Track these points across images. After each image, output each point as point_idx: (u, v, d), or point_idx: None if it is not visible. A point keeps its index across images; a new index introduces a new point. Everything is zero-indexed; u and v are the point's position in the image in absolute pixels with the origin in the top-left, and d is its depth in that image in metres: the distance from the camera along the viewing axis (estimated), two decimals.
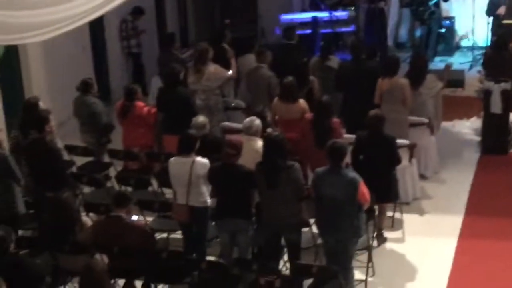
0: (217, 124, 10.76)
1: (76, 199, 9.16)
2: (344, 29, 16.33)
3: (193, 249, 8.59)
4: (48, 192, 8.79)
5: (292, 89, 10.05)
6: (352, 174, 7.78)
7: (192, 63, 11.88)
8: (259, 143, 8.76)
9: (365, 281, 8.58)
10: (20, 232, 9.02)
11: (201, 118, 9.52)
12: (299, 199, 8.04)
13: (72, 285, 8.38)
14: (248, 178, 8.11)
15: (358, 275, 8.45)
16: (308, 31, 15.70)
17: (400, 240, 9.64)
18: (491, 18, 15.42)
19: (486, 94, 11.64)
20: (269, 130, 8.99)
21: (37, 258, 8.14)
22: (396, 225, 9.89)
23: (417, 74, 10.77)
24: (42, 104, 9.74)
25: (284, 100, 10.03)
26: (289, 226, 8.10)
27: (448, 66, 11.86)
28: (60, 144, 9.65)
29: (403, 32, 17.32)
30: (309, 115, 9.80)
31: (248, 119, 9.04)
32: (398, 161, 9.15)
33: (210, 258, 8.63)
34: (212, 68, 10.98)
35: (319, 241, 8.48)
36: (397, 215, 9.97)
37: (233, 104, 11.77)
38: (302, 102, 10.09)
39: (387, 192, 9.06)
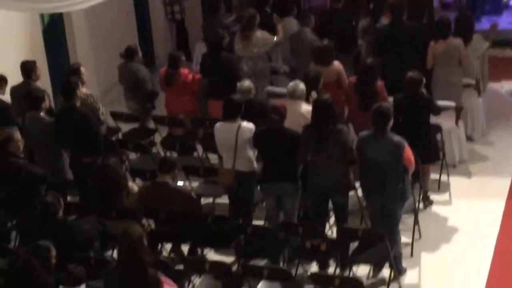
0: (262, 89, 10.73)
1: (122, 165, 9.22)
2: None
3: (239, 213, 8.62)
4: (85, 159, 8.86)
5: (326, 52, 9.93)
6: (397, 137, 7.71)
7: (236, 29, 11.83)
8: (303, 107, 8.72)
9: (411, 244, 8.55)
10: (68, 198, 9.13)
11: (246, 83, 9.50)
12: (347, 163, 8.00)
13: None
14: (294, 141, 8.08)
15: (404, 238, 8.41)
16: None
17: (447, 203, 9.56)
18: None
19: None
20: (313, 93, 8.93)
21: (85, 223, 8.26)
22: (442, 188, 9.80)
23: (463, 34, 10.56)
24: (84, 70, 9.79)
25: (319, 64, 9.94)
26: (336, 189, 8.08)
27: (494, 26, 11.59)
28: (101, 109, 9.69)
29: None
30: (352, 78, 9.72)
31: (292, 83, 8.99)
32: (438, 110, 9.08)
33: (256, 222, 8.66)
34: (259, 34, 10.91)
35: (365, 204, 8.46)
36: (444, 177, 9.88)
37: (281, 70, 11.71)
38: (337, 64, 9.99)
39: (427, 153, 8.97)
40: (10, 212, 8.67)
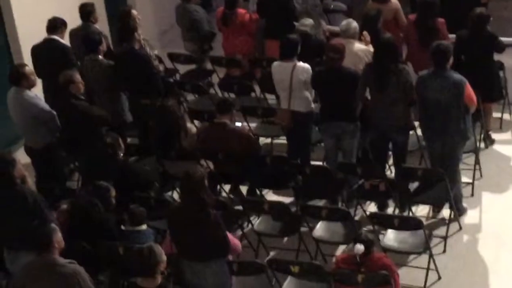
0: (318, 27, 10.57)
1: (180, 106, 9.27)
2: None
3: (297, 154, 8.61)
4: (144, 100, 8.90)
5: None
6: (457, 76, 7.56)
7: None
8: (357, 45, 8.60)
9: (472, 183, 8.45)
10: (128, 140, 9.23)
11: (306, 21, 9.38)
12: (408, 102, 7.88)
13: (179, 191, 8.56)
14: (353, 80, 7.98)
15: (465, 178, 8.31)
16: None
17: (509, 142, 9.39)
18: None
19: None
20: (365, 33, 8.80)
21: (145, 164, 8.35)
22: (504, 126, 9.62)
23: None
24: (135, 13, 9.75)
25: (377, 1, 9.73)
26: (397, 128, 7.98)
27: None
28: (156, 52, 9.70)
29: None
30: (412, 16, 9.52)
31: (345, 22, 8.85)
32: (502, 48, 8.87)
33: (314, 162, 8.64)
34: None
35: (424, 144, 8.36)
36: (506, 116, 9.68)
37: (331, 7, 11.50)
38: (394, 2, 9.78)
39: (489, 91, 8.80)
40: (73, 153, 8.81)
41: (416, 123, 8.31)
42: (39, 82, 8.94)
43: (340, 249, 7.70)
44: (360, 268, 6.29)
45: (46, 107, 8.50)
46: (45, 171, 8.73)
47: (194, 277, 6.26)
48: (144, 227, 6.97)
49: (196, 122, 9.48)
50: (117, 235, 6.97)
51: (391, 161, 8.50)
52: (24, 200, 6.54)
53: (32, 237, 5.67)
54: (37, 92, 8.71)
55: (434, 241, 7.58)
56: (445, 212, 7.96)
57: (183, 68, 10.89)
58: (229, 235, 6.44)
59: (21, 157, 9.16)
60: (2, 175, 6.66)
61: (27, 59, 9.49)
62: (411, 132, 8.33)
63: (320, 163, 8.70)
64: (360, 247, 6.23)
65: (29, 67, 8.69)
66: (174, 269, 6.40)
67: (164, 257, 5.53)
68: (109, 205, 7.03)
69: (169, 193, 8.58)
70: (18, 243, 6.58)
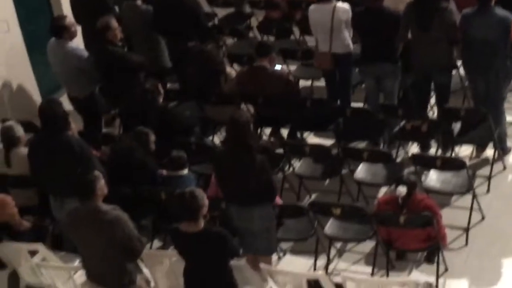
0: None
1: (219, 50, 9.20)
2: None
3: (338, 96, 8.53)
4: (183, 45, 8.84)
5: None
6: (503, 12, 7.36)
7: None
8: None
9: None
10: (167, 85, 9.23)
11: None
12: (451, 42, 7.72)
13: (220, 135, 8.58)
14: (394, 20, 7.83)
15: (509, 117, 8.15)
16: None
17: None
18: None
19: None
20: None
21: (185, 109, 8.35)
22: None
23: None
24: None
25: None
26: (439, 68, 7.82)
27: None
28: None
29: None
30: None
31: None
32: None
33: (355, 104, 8.56)
34: None
35: (467, 84, 8.22)
36: None
37: None
38: None
39: None
40: (112, 100, 8.84)
41: (459, 63, 8.16)
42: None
43: (382, 191, 7.66)
44: (402, 210, 6.26)
45: (87, 56, 8.52)
46: (87, 119, 8.81)
47: (241, 221, 6.27)
48: (185, 172, 7.00)
49: (235, 66, 9.42)
50: (158, 179, 7.02)
51: (433, 102, 8.38)
52: (71, 148, 6.58)
53: (76, 184, 5.71)
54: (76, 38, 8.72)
55: (478, 181, 7.48)
56: (489, 152, 7.84)
57: (221, 12, 10.79)
58: None
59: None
60: (51, 118, 6.63)
61: (67, 9, 9.48)
62: (453, 72, 8.17)
63: (361, 105, 8.62)
64: (402, 189, 6.19)
65: (69, 17, 8.70)
66: (220, 213, 6.45)
67: (206, 201, 5.54)
68: (149, 150, 7.07)
69: (210, 137, 8.58)
70: (64, 190, 6.65)
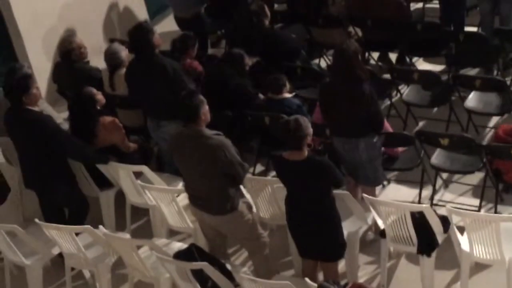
0: None
1: None
2: None
3: (451, 19, 8.18)
4: None
5: None
6: None
7: None
8: None
9: None
10: (275, 7, 9.08)
11: None
12: None
13: (327, 58, 8.41)
14: None
15: None
16: None
17: None
18: None
19: None
20: None
21: (291, 32, 8.19)
22: None
23: None
24: None
25: None
26: None
27: None
28: None
29: None
30: None
31: None
32: None
33: (469, 28, 8.20)
34: None
35: None
36: None
37: None
38: None
39: None
40: (219, 20, 8.79)
41: None
42: None
43: (494, 121, 7.37)
44: None
45: None
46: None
47: (346, 152, 6.17)
48: (287, 95, 6.88)
49: None
50: (257, 102, 6.95)
51: None
52: (163, 70, 6.57)
53: (181, 107, 5.70)
54: None
55: None
56: None
57: None
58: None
59: (169, 27, 9.30)
60: (141, 43, 6.64)
61: None
62: None
63: (475, 29, 8.25)
64: None
65: None
66: (324, 141, 6.35)
67: (311, 130, 5.43)
68: (243, 71, 6.99)
69: (316, 61, 8.43)
70: (160, 112, 6.71)
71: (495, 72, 7.71)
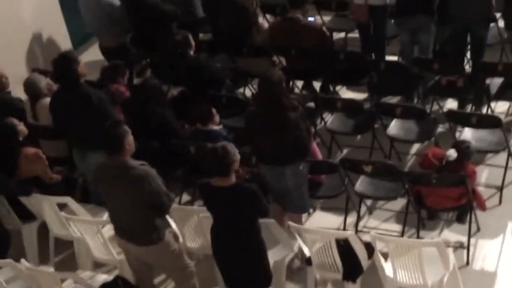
0: None
1: (252, 1, 9.03)
2: None
3: (371, 48, 8.35)
4: None
5: None
6: None
7: None
8: None
9: None
10: (200, 36, 9.11)
11: None
12: None
13: (251, 87, 8.47)
14: None
15: None
16: None
17: None
18: None
19: None
20: None
21: (216, 61, 8.24)
22: None
23: None
24: None
25: None
26: (477, 20, 7.61)
27: None
28: None
29: None
30: None
31: None
32: None
33: (389, 57, 8.38)
34: None
35: (506, 36, 7.99)
36: None
37: None
38: None
39: None
40: (144, 50, 8.77)
41: (498, 15, 7.93)
42: None
43: (415, 148, 7.54)
44: (441, 171, 6.13)
45: (119, 4, 8.44)
46: None
47: (273, 179, 6.20)
48: (215, 127, 6.91)
49: (268, 17, 9.26)
50: (180, 132, 6.96)
51: (469, 56, 8.17)
52: (89, 99, 6.51)
53: (104, 138, 5.65)
54: None
55: None
56: None
57: None
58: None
59: (93, 56, 9.24)
60: (66, 73, 6.56)
61: None
62: (492, 25, 7.94)
63: (395, 58, 8.44)
64: (453, 154, 6.06)
65: None
66: (251, 170, 6.39)
67: (238, 156, 5.46)
68: (162, 101, 7.00)
69: (241, 89, 8.48)
70: (85, 143, 6.64)
71: (415, 100, 7.89)
